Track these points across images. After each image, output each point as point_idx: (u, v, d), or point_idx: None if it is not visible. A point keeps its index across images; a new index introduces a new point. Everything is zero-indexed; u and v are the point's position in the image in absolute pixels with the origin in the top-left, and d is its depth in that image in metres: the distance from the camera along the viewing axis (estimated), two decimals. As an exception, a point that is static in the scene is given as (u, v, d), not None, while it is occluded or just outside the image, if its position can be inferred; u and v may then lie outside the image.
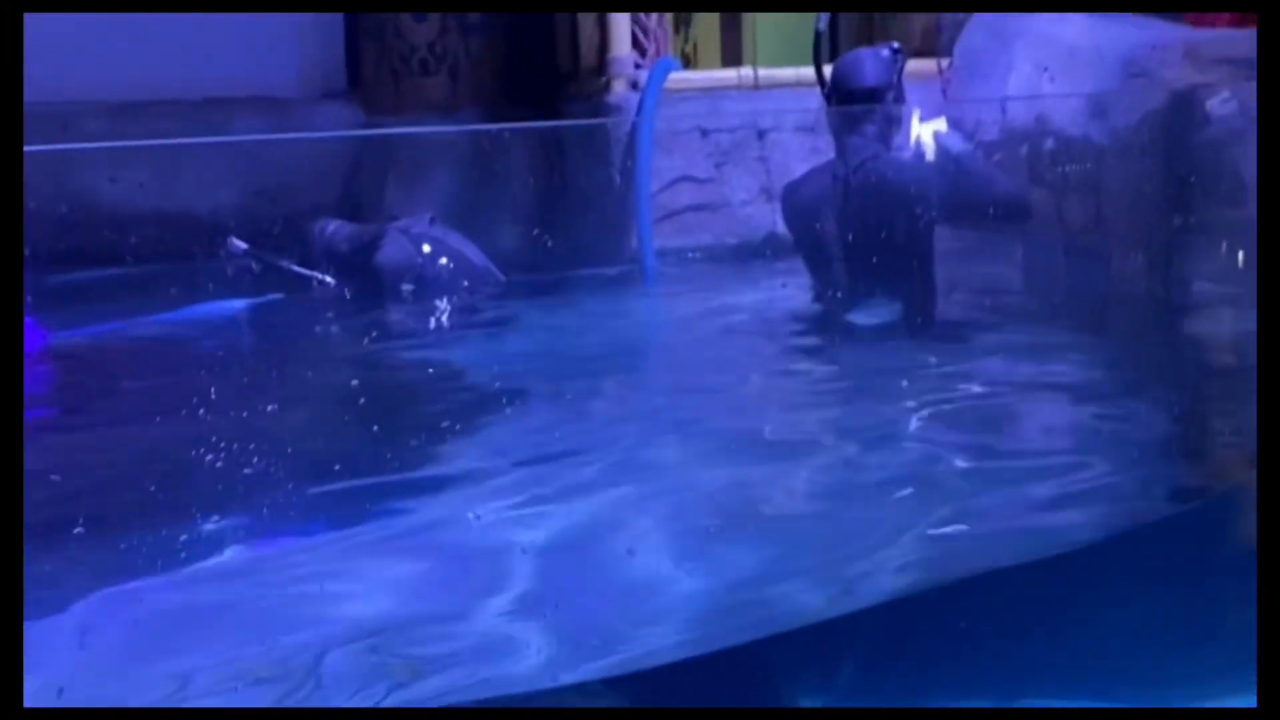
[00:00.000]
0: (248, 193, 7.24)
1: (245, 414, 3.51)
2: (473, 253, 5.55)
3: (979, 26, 6.06)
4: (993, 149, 5.83)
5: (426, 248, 5.41)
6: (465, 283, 5.38)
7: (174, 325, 5.00)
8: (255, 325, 5.21)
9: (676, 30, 12.82)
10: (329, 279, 5.49)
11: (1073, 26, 5.49)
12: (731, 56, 11.39)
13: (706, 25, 12.09)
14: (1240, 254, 3.93)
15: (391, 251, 5.34)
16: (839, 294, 4.63)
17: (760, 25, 10.59)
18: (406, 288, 5.28)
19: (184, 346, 4.80)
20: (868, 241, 4.52)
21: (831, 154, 6.07)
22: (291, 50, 7.67)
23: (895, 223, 4.53)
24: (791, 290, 5.16)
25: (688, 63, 12.55)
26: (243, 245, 5.55)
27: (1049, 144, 5.36)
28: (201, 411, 3.49)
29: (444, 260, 5.40)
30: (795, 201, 4.78)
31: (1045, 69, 5.48)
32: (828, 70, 4.93)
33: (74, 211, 7.07)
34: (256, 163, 7.26)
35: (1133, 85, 4.88)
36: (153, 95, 7.31)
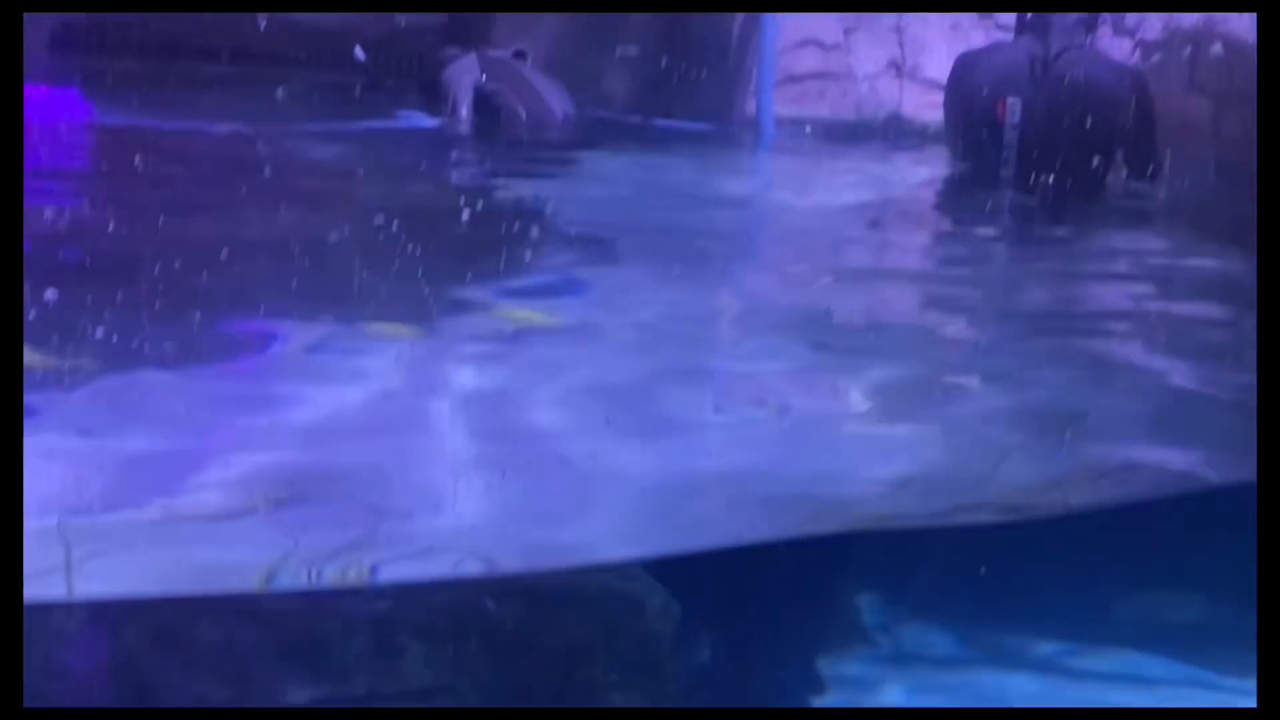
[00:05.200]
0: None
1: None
2: (551, 94, 5.36)
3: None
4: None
5: (496, 77, 5.31)
6: (527, 118, 5.25)
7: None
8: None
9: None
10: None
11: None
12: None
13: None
14: None
15: (454, 76, 5.31)
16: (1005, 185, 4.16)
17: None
18: (464, 113, 5.21)
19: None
20: (1057, 136, 4.04)
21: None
22: None
23: (1095, 122, 4.04)
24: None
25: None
26: (362, 56, 5.58)
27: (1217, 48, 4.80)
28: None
29: (517, 93, 5.29)
30: (973, 77, 4.26)
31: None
32: None
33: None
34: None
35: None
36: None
